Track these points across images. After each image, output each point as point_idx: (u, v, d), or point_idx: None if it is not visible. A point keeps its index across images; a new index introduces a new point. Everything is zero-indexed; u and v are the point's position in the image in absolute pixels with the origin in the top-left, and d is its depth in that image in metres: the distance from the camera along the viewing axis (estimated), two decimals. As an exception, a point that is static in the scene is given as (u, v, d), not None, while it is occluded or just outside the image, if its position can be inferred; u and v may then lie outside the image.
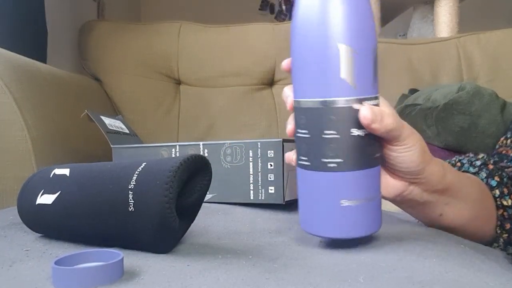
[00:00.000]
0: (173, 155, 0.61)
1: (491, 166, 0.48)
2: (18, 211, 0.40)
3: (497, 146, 0.56)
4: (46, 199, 0.37)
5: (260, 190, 0.55)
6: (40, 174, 0.40)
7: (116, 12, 1.57)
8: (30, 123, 0.70)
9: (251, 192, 0.56)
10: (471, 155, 0.52)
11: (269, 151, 0.55)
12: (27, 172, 0.66)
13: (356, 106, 0.32)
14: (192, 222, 0.38)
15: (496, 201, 0.46)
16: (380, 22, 1.40)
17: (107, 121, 0.71)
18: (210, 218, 0.48)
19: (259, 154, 0.55)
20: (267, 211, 0.54)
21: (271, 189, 0.54)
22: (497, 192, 0.46)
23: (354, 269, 0.31)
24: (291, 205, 0.57)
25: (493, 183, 0.47)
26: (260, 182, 0.55)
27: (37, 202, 0.38)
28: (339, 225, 0.34)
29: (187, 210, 0.36)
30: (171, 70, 1.32)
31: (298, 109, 0.35)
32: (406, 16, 1.63)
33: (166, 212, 0.32)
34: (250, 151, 0.56)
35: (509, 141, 0.54)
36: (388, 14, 1.51)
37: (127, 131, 0.76)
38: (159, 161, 0.35)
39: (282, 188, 0.54)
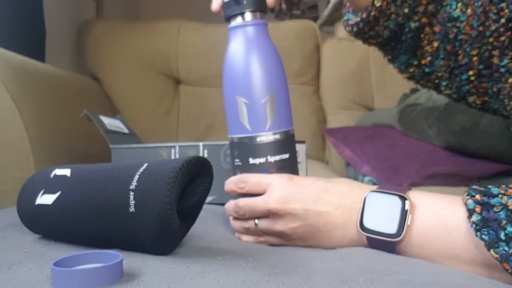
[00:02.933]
0: (173, 156, 0.61)
1: None
2: (18, 211, 0.39)
3: None
4: (46, 199, 0.37)
5: (260, 191, 0.55)
6: (40, 174, 0.40)
7: (115, 11, 1.57)
8: (29, 122, 0.70)
9: (251, 192, 0.55)
10: None
11: (269, 152, 0.54)
12: (25, 173, 0.66)
13: (249, 142, 0.42)
14: (193, 224, 0.38)
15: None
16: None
17: (106, 120, 0.71)
18: (210, 220, 0.48)
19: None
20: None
21: (271, 190, 0.54)
22: None
23: (353, 272, 0.31)
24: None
25: None
26: (260, 183, 0.55)
27: (36, 203, 0.37)
28: None
29: (188, 213, 0.36)
30: (170, 69, 1.32)
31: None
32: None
33: (167, 213, 0.32)
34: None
35: None
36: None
37: (126, 131, 0.76)
38: (161, 162, 0.35)
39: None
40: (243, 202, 0.41)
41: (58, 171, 0.39)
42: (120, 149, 0.63)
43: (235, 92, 0.42)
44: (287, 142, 0.43)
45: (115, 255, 0.30)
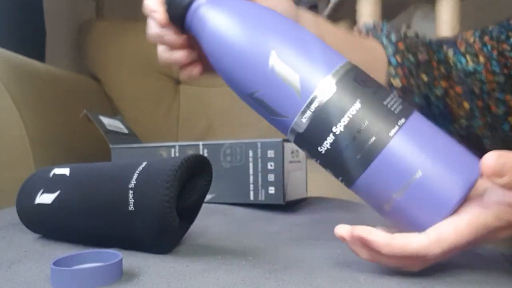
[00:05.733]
0: (173, 155, 0.61)
1: (401, 46, 0.46)
2: (17, 211, 0.40)
3: (458, 35, 0.51)
4: (45, 198, 0.37)
5: (260, 191, 0.55)
6: (39, 174, 0.40)
7: (115, 11, 1.57)
8: (29, 122, 0.70)
9: (251, 192, 0.55)
10: (401, 32, 0.48)
11: (269, 151, 0.54)
12: (25, 172, 0.66)
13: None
14: (192, 223, 0.38)
15: (388, 79, 0.45)
16: (381, 21, 1.40)
17: (106, 121, 0.71)
18: (210, 219, 0.48)
19: (259, 154, 0.55)
20: (267, 212, 0.53)
21: (271, 190, 0.54)
22: (392, 71, 0.45)
23: (354, 270, 0.31)
24: (291, 206, 0.57)
25: (393, 61, 0.45)
26: (260, 183, 0.55)
27: (36, 202, 0.37)
28: None
29: (187, 211, 0.36)
30: (170, 69, 1.32)
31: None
32: (407, 15, 1.62)
33: (166, 211, 0.32)
34: (250, 151, 0.55)
35: (471, 38, 0.48)
36: (389, 13, 1.51)
37: (126, 131, 0.76)
38: (160, 160, 0.35)
39: (282, 188, 0.54)
40: None
41: (57, 170, 0.39)
42: (120, 149, 0.63)
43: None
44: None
45: (114, 254, 0.30)
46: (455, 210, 0.29)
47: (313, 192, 0.65)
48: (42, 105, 0.78)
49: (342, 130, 0.29)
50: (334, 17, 1.78)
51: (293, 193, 0.57)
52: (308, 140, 0.31)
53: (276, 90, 0.31)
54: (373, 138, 0.29)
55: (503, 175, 0.27)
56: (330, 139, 0.30)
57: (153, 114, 1.28)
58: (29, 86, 0.76)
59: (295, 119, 0.31)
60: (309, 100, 0.30)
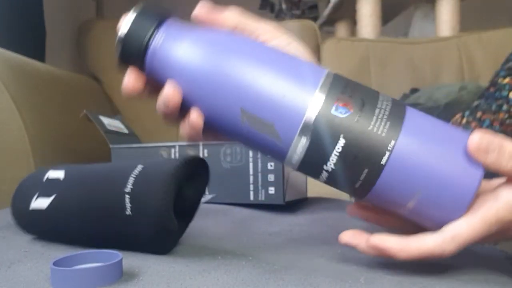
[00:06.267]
0: (173, 156, 0.61)
1: None
2: (13, 215, 0.39)
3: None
4: (40, 203, 0.37)
5: (260, 191, 0.55)
6: (32, 179, 0.39)
7: (115, 11, 1.57)
8: (28, 122, 0.70)
9: (251, 192, 0.55)
10: None
11: (269, 151, 0.54)
12: (25, 173, 0.65)
13: None
14: (190, 221, 0.38)
15: None
16: (381, 21, 1.40)
17: (106, 121, 0.71)
18: (210, 219, 0.48)
19: (259, 154, 0.55)
20: (267, 212, 0.53)
21: (271, 190, 0.54)
22: None
23: (354, 270, 0.31)
24: (291, 206, 0.57)
25: None
26: (260, 183, 0.55)
27: (31, 208, 0.37)
28: None
29: (185, 212, 0.36)
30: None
31: None
32: (407, 15, 1.62)
33: (164, 215, 0.32)
34: (250, 151, 0.55)
35: (464, 120, 0.49)
36: (389, 13, 1.51)
37: (126, 131, 0.76)
38: (156, 163, 0.35)
39: (282, 188, 0.54)
40: None
41: (52, 174, 0.38)
42: (120, 149, 0.63)
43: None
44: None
45: (114, 254, 0.30)
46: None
47: (313, 192, 0.65)
48: (42, 105, 0.78)
49: (333, 167, 0.29)
50: (333, 17, 1.78)
51: (293, 193, 0.57)
52: (306, 172, 0.31)
53: (257, 140, 0.30)
54: (366, 169, 0.28)
55: (488, 153, 0.28)
56: (325, 174, 0.30)
57: (153, 113, 1.27)
58: (29, 86, 0.76)
59: (285, 160, 0.31)
60: (292, 143, 0.29)
